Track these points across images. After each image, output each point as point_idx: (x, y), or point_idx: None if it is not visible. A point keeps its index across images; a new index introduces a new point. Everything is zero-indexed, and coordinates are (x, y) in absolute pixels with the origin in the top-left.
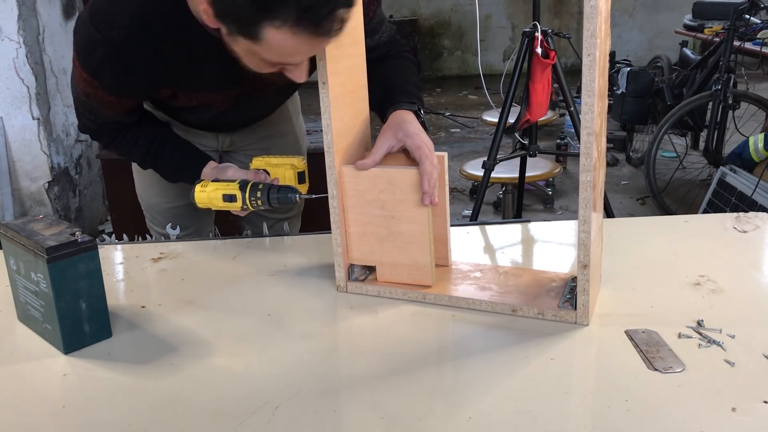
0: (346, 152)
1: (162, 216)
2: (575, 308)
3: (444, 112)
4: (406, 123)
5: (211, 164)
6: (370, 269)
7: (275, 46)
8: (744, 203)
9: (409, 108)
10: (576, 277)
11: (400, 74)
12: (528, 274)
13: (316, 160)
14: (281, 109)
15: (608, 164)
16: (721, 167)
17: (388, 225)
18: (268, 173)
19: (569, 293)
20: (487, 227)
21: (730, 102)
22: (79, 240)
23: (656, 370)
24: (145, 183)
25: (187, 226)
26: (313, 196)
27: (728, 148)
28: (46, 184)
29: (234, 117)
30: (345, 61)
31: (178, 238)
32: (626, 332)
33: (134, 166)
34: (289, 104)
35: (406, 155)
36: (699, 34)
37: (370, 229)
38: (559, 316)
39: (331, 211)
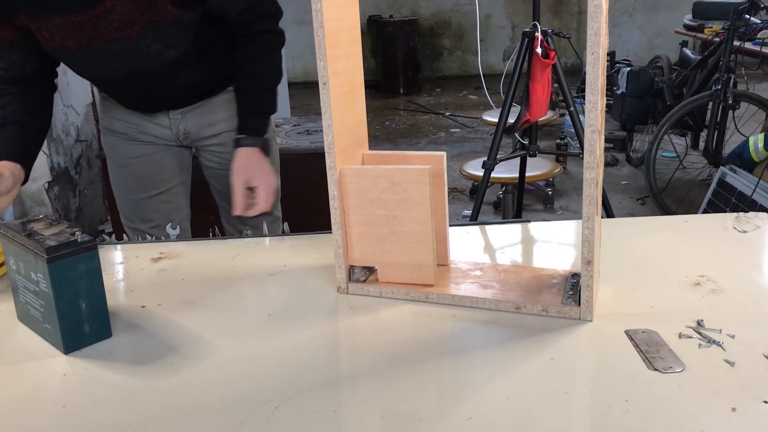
0: (344, 153)
1: (127, 209)
2: (579, 304)
3: (444, 112)
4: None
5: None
6: (370, 270)
7: None
8: (744, 203)
9: (256, 144)
10: (576, 274)
11: (252, 81)
12: (527, 271)
13: (316, 160)
14: (231, 100)
15: (608, 164)
16: (721, 167)
17: (390, 225)
18: None
19: (571, 289)
20: (487, 227)
21: (730, 102)
22: (79, 240)
23: (656, 370)
24: (112, 175)
25: (150, 219)
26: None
27: (728, 148)
28: (46, 184)
29: (104, 63)
30: (344, 62)
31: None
32: (626, 332)
33: (109, 163)
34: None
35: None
36: (699, 34)
37: (371, 230)
38: (563, 312)
39: (332, 212)
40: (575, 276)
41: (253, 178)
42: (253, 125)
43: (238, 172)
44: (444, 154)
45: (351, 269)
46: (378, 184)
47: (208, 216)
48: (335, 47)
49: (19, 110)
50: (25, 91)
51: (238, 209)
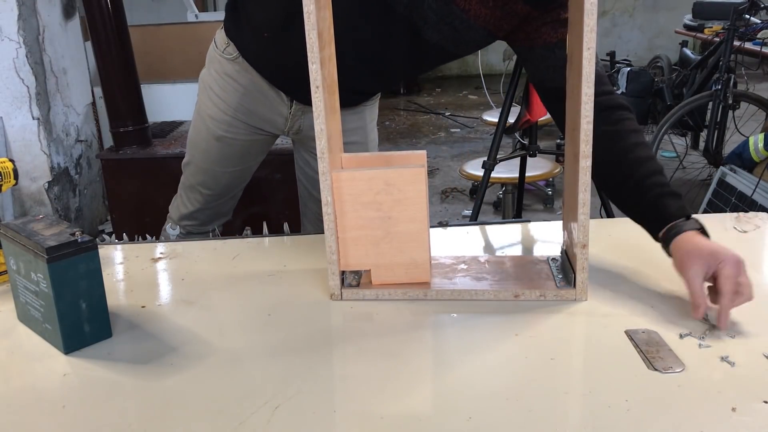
0: (330, 157)
1: (193, 168)
2: (573, 286)
3: (444, 112)
4: (712, 247)
5: None
6: (359, 274)
7: None
8: (744, 203)
9: (695, 228)
10: (554, 258)
11: (652, 167)
12: (508, 260)
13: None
14: (359, 117)
15: None
16: (721, 167)
17: (385, 226)
18: None
19: (559, 273)
20: (487, 227)
21: (730, 102)
22: (79, 240)
23: (656, 370)
24: (196, 132)
25: (211, 188)
26: None
27: (728, 148)
28: (46, 184)
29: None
30: (331, 63)
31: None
32: (626, 332)
33: (201, 126)
34: (367, 113)
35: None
36: (699, 34)
37: (365, 233)
38: (560, 295)
39: (325, 218)
40: (554, 260)
41: (720, 265)
42: (681, 205)
43: (690, 262)
44: (425, 152)
45: (342, 274)
46: (372, 186)
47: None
48: (323, 49)
49: None
50: None
51: (700, 311)
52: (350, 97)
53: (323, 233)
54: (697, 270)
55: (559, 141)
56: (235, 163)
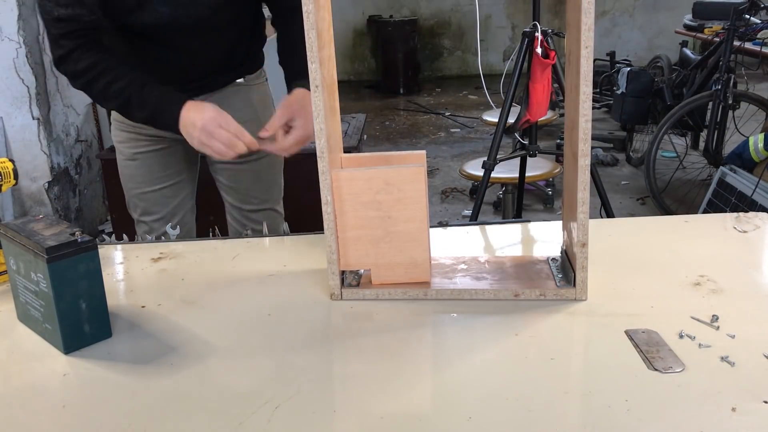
0: (330, 157)
1: (132, 201)
2: (573, 285)
3: (444, 112)
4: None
5: None
6: (358, 273)
7: None
8: (744, 203)
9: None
10: (554, 258)
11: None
12: (508, 260)
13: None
14: (244, 96)
15: (608, 164)
16: (721, 167)
17: (385, 226)
18: None
19: (559, 272)
20: (487, 227)
21: (730, 102)
22: (79, 240)
23: (656, 370)
24: (120, 167)
25: (153, 213)
26: None
27: (728, 148)
28: (46, 184)
29: (173, 15)
30: (327, 64)
31: (178, 237)
32: (626, 332)
33: (118, 155)
34: (253, 93)
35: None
36: (699, 34)
37: (365, 233)
38: (560, 294)
39: (325, 217)
40: (554, 260)
41: (298, 117)
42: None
43: (287, 105)
44: (424, 152)
45: (342, 274)
46: (372, 185)
47: (208, 215)
48: (322, 49)
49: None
50: (100, 43)
51: (267, 132)
52: (218, 79)
53: (313, 233)
54: (282, 112)
55: (559, 141)
56: (161, 179)
